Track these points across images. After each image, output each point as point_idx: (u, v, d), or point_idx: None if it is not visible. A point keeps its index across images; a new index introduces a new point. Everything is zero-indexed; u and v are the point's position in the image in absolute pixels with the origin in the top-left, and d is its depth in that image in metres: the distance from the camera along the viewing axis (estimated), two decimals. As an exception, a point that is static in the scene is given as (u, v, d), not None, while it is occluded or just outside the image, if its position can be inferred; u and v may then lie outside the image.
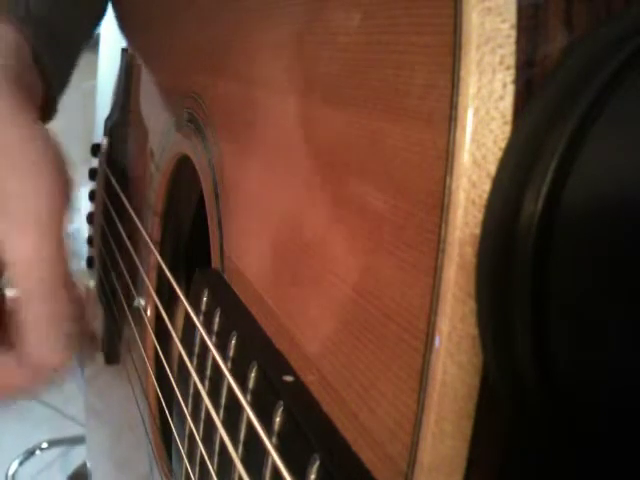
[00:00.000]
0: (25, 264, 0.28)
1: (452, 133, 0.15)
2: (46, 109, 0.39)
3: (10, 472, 1.26)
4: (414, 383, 0.16)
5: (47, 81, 0.39)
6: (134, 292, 0.44)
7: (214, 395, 0.25)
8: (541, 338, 0.13)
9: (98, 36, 0.66)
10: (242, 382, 0.23)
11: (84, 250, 0.63)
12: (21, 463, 1.28)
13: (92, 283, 0.61)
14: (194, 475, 0.28)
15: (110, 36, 0.61)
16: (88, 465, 0.72)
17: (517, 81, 0.14)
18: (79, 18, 0.46)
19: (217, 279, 0.30)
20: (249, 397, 0.23)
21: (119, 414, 0.55)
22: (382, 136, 0.17)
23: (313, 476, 0.18)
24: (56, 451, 1.33)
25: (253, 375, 0.23)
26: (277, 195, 0.24)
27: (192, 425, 0.28)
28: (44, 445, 1.31)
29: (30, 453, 1.30)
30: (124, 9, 0.54)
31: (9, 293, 0.30)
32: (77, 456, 1.27)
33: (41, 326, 0.29)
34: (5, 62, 0.33)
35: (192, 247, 0.46)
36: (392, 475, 0.16)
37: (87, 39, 0.48)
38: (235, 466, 0.22)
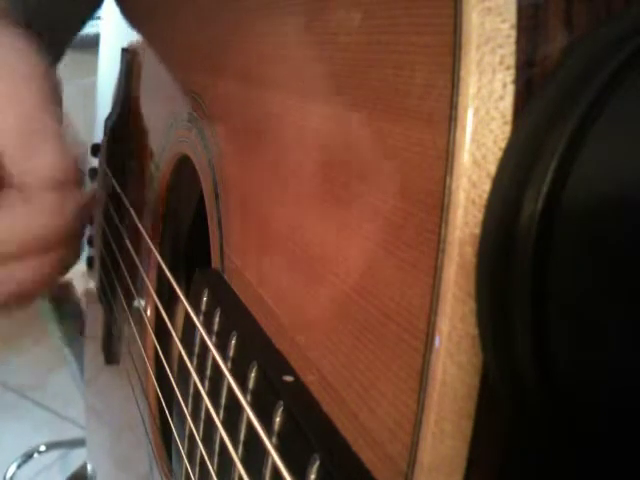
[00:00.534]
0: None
1: (452, 133, 0.15)
2: None
3: (8, 475, 1.25)
4: (414, 383, 0.16)
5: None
6: (134, 292, 0.44)
7: (214, 395, 0.25)
8: (541, 338, 0.13)
9: (98, 36, 0.66)
10: (242, 382, 0.23)
11: (84, 250, 0.63)
12: (19, 466, 1.27)
13: (92, 283, 0.61)
14: (194, 475, 0.28)
15: (110, 36, 0.61)
16: (89, 467, 0.72)
17: (517, 81, 0.14)
18: (72, 13, 0.46)
19: (217, 279, 0.30)
20: (249, 397, 0.23)
21: (119, 414, 0.55)
22: (382, 136, 0.17)
23: (313, 476, 0.18)
24: (54, 454, 1.33)
25: (253, 375, 0.23)
26: (277, 195, 0.24)
27: (192, 425, 0.28)
28: (42, 448, 1.31)
29: (28, 456, 1.29)
30: (126, 6, 0.54)
31: None
32: (75, 459, 1.27)
33: (28, 181, 0.29)
34: None
35: (192, 247, 0.46)
36: (392, 475, 0.16)
37: (75, 34, 0.48)
38: (235, 466, 0.22)
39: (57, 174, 0.30)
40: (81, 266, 0.62)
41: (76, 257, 0.34)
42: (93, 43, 0.65)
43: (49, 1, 0.41)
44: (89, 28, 0.50)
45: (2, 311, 0.32)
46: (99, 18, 0.64)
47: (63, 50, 0.45)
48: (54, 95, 0.32)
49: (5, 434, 1.37)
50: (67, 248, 0.32)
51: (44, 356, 1.48)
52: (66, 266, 0.33)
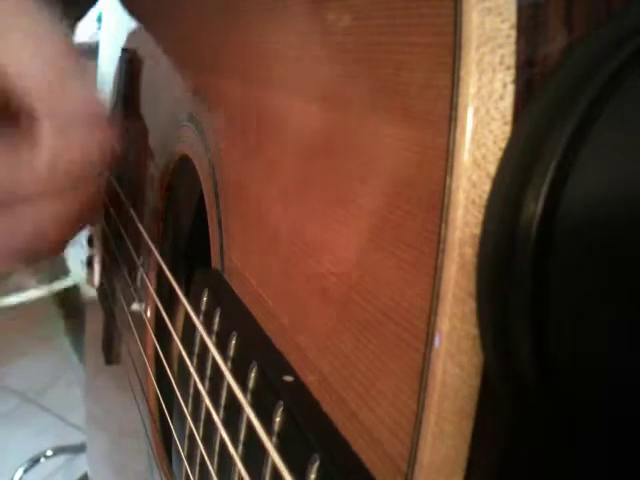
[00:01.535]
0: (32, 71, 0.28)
1: (452, 133, 0.15)
2: None
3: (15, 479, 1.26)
4: (414, 383, 0.16)
5: None
6: (134, 292, 0.44)
7: (214, 395, 0.25)
8: (541, 338, 0.13)
9: (98, 36, 0.66)
10: (242, 382, 0.23)
11: (84, 250, 0.63)
12: (26, 471, 1.27)
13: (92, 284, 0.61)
14: (194, 475, 0.28)
15: (110, 36, 0.61)
16: (87, 470, 0.72)
17: (517, 81, 0.14)
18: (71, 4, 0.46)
19: (217, 279, 0.30)
20: (249, 397, 0.23)
21: (119, 415, 0.55)
22: (382, 136, 0.17)
23: (313, 476, 0.18)
24: (61, 459, 1.33)
25: (253, 375, 0.23)
26: (277, 195, 0.24)
27: (192, 425, 0.28)
28: (49, 453, 1.31)
29: (35, 461, 1.29)
30: (127, 5, 0.54)
31: (14, 299, 0.29)
32: (82, 464, 1.27)
33: (58, 117, 0.28)
34: None
35: (192, 247, 0.46)
36: (392, 475, 0.16)
37: (74, 23, 0.48)
38: (235, 466, 0.22)
39: (88, 109, 0.29)
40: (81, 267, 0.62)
41: (97, 209, 0.33)
42: (93, 46, 0.65)
43: None
44: (89, 38, 0.49)
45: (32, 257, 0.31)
46: (99, 28, 0.64)
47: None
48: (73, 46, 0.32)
49: (10, 439, 1.37)
50: (91, 192, 0.31)
51: (50, 360, 1.48)
52: (89, 214, 0.33)
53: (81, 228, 0.33)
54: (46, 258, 0.33)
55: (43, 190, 0.29)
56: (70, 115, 0.29)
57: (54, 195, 0.30)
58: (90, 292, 0.62)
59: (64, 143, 0.29)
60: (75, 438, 1.32)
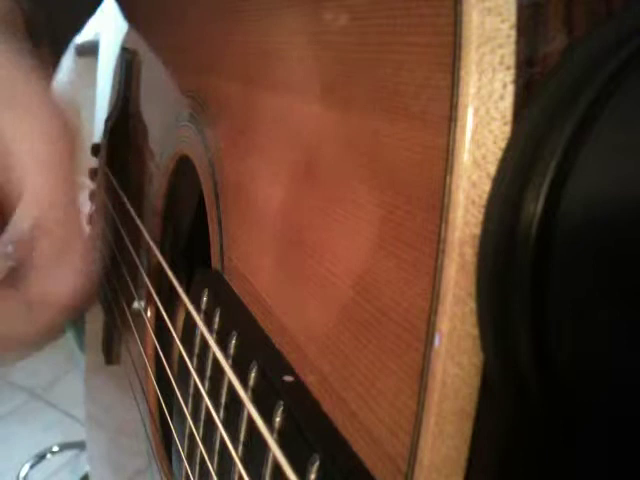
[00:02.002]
0: (39, 202, 0.28)
1: (452, 133, 0.15)
2: None
3: (21, 475, 1.26)
4: (414, 383, 0.16)
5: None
6: (134, 292, 0.44)
7: (214, 395, 0.25)
8: (541, 338, 0.13)
9: (98, 36, 0.66)
10: (242, 382, 0.23)
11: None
12: (32, 466, 1.28)
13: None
14: (194, 475, 0.28)
15: (110, 36, 0.61)
16: (87, 468, 0.72)
17: (517, 81, 0.14)
18: (71, 14, 0.46)
19: (217, 279, 0.30)
20: (249, 396, 0.23)
21: (119, 415, 0.55)
22: (382, 136, 0.17)
23: (313, 476, 0.18)
24: (67, 455, 1.33)
25: (253, 375, 0.23)
26: (277, 195, 0.24)
27: (192, 425, 0.28)
28: (55, 448, 1.31)
29: (41, 457, 1.30)
30: (126, 7, 0.54)
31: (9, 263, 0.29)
32: (88, 460, 1.28)
33: (52, 259, 0.28)
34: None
35: (192, 247, 0.46)
36: (392, 475, 0.16)
37: (75, 34, 0.48)
38: (235, 466, 0.23)
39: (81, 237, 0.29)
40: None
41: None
42: (93, 45, 0.65)
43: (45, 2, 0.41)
44: (89, 35, 0.50)
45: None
46: (99, 24, 0.64)
47: (62, 50, 0.45)
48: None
49: (17, 434, 1.37)
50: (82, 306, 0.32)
51: (56, 357, 1.48)
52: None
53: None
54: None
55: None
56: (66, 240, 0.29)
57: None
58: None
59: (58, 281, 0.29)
60: (81, 434, 1.33)
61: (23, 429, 1.39)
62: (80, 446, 1.32)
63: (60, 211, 0.28)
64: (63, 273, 0.29)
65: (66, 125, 0.29)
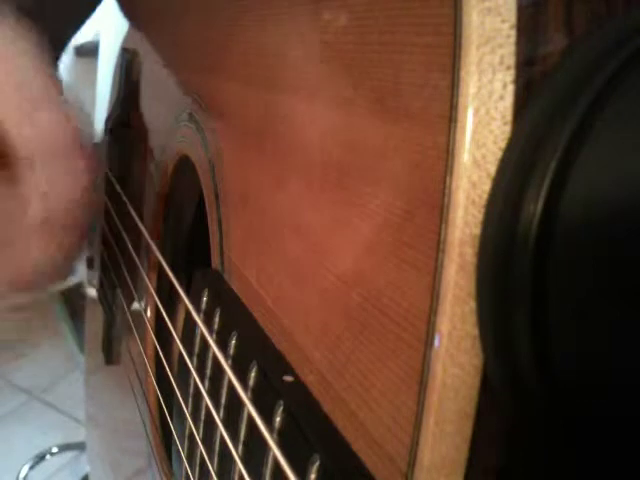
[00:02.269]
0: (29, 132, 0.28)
1: (452, 133, 0.15)
2: None
3: (21, 476, 1.26)
4: (414, 383, 0.16)
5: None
6: (134, 292, 0.44)
7: (214, 395, 0.25)
8: (541, 338, 0.13)
9: (98, 36, 0.66)
10: (242, 382, 0.23)
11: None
12: (32, 467, 1.27)
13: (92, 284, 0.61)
14: (194, 475, 0.28)
15: (110, 36, 0.61)
16: (87, 468, 0.72)
17: (517, 81, 0.14)
18: (69, 14, 0.46)
19: (217, 279, 0.30)
20: (249, 396, 0.23)
21: (118, 417, 0.55)
22: (382, 136, 0.17)
23: (313, 476, 0.18)
24: (67, 456, 1.33)
25: (253, 375, 0.23)
26: (277, 195, 0.24)
27: (192, 425, 0.28)
28: (54, 450, 1.31)
29: (40, 458, 1.30)
30: (126, 7, 0.54)
31: None
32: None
33: (37, 152, 0.28)
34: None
35: (192, 247, 0.46)
36: (392, 475, 0.16)
37: (72, 34, 0.48)
38: (235, 466, 0.23)
39: (67, 139, 0.29)
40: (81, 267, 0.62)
41: (82, 240, 0.33)
42: (93, 45, 0.65)
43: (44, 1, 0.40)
44: (89, 36, 0.49)
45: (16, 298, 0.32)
46: (99, 24, 0.64)
47: (59, 51, 0.45)
48: (51, 67, 0.31)
49: (16, 435, 1.37)
50: (76, 228, 0.31)
51: (56, 358, 1.48)
52: (74, 252, 0.33)
53: (80, 252, 0.33)
54: (51, 285, 0.33)
55: (37, 237, 0.29)
56: (49, 148, 0.29)
57: (49, 239, 0.30)
58: (91, 292, 0.62)
59: (53, 191, 0.29)
60: (81, 435, 1.32)
61: (23, 430, 1.39)
62: (80, 447, 1.32)
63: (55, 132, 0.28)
64: (63, 172, 0.29)
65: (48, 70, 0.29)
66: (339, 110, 0.20)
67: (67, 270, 0.32)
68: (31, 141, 0.29)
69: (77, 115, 0.31)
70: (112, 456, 0.58)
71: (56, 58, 0.44)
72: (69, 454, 1.34)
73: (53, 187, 0.29)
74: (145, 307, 0.43)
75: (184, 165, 0.39)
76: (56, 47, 0.44)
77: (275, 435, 0.20)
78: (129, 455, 0.51)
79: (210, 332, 0.27)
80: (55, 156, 0.29)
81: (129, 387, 0.48)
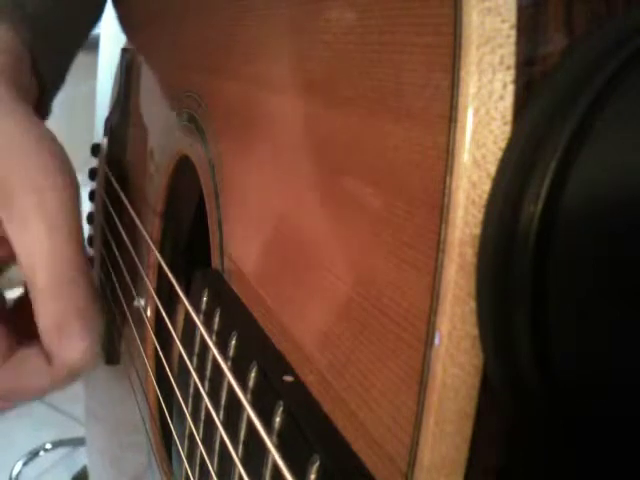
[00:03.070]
0: (34, 258, 0.28)
1: (452, 133, 0.15)
2: (39, 111, 0.39)
3: (14, 472, 1.25)
4: (414, 383, 0.16)
5: (42, 85, 0.39)
6: (134, 292, 0.44)
7: (214, 395, 0.25)
8: (541, 338, 0.13)
9: (98, 36, 0.66)
10: (242, 382, 0.23)
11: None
12: (25, 464, 1.27)
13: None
14: (194, 475, 0.28)
15: (110, 36, 0.61)
16: (80, 466, 0.72)
17: (517, 81, 0.14)
18: (78, 17, 0.46)
19: (217, 279, 0.30)
20: (249, 397, 0.23)
21: (119, 415, 0.55)
22: (382, 136, 0.17)
23: (313, 476, 0.18)
24: (60, 452, 1.33)
25: (253, 375, 0.23)
26: (277, 195, 0.24)
27: (192, 425, 0.28)
28: (48, 446, 1.31)
29: (34, 454, 1.29)
30: (124, 8, 0.54)
31: (10, 294, 0.29)
32: (81, 457, 1.27)
33: (57, 324, 0.28)
34: (2, 60, 0.33)
35: (192, 247, 0.46)
36: (392, 475, 0.16)
37: (84, 39, 0.48)
38: (235, 466, 0.23)
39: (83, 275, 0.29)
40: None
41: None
42: (93, 44, 0.65)
43: (50, 8, 0.40)
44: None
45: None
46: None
47: (69, 58, 0.45)
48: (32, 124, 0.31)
49: (11, 432, 1.37)
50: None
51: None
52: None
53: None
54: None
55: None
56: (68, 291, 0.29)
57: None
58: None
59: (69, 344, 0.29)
60: (74, 431, 1.32)
61: (16, 427, 1.39)
62: (73, 443, 1.32)
63: (56, 267, 0.28)
64: (71, 340, 0.29)
65: (64, 172, 0.29)
66: (339, 110, 0.20)
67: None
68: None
69: (55, 153, 0.30)
70: (114, 456, 0.58)
71: (66, 65, 0.44)
72: (62, 450, 1.33)
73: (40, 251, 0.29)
74: (145, 307, 0.43)
75: (184, 165, 0.39)
76: (64, 55, 0.44)
77: (275, 435, 0.20)
78: (130, 452, 0.51)
79: (210, 332, 0.27)
80: (53, 293, 0.29)
81: (129, 386, 0.48)
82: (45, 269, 0.28)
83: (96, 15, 0.50)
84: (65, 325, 0.29)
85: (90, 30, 0.49)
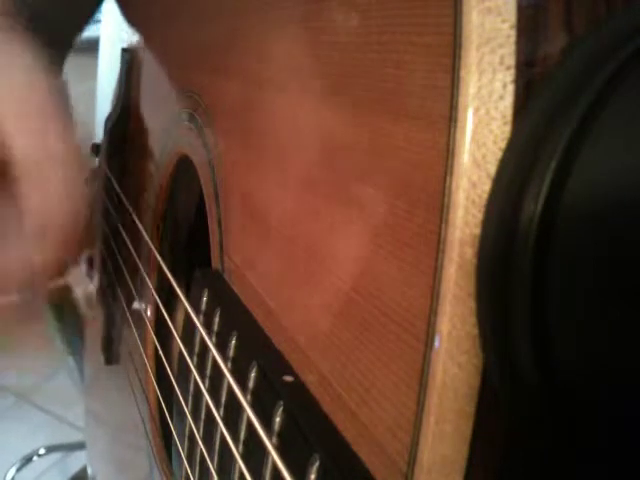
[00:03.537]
0: (27, 144, 0.28)
1: (452, 133, 0.15)
2: None
3: (8, 478, 1.25)
4: (414, 383, 0.16)
5: None
6: (134, 292, 0.44)
7: (214, 394, 0.25)
8: (541, 338, 0.13)
9: (98, 37, 0.66)
10: (242, 382, 0.23)
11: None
12: (19, 469, 1.27)
13: (92, 284, 0.61)
14: (194, 475, 0.28)
15: (110, 36, 0.61)
16: (89, 470, 0.72)
17: (517, 81, 0.14)
18: (75, 14, 0.46)
19: (217, 279, 0.30)
20: (249, 397, 0.23)
21: (119, 415, 0.55)
22: (382, 136, 0.17)
23: (313, 476, 0.18)
24: (54, 457, 1.33)
25: (253, 375, 0.23)
26: (277, 195, 0.24)
27: (192, 424, 0.28)
28: (42, 451, 1.30)
29: (28, 459, 1.29)
30: (126, 7, 0.54)
31: None
32: (75, 462, 1.27)
33: (35, 161, 0.28)
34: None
35: (192, 247, 0.46)
36: (392, 475, 0.16)
37: (78, 34, 0.48)
38: (235, 466, 0.23)
39: (70, 155, 0.30)
40: (80, 269, 0.62)
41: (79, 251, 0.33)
42: (93, 44, 0.65)
43: (49, 1, 0.41)
44: (89, 32, 0.50)
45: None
46: (99, 21, 0.64)
47: (66, 50, 0.45)
48: (53, 78, 0.32)
49: (4, 437, 1.36)
50: (80, 229, 0.31)
51: (43, 359, 1.48)
52: (70, 256, 0.33)
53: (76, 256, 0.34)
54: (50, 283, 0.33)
55: (33, 243, 0.29)
56: (45, 157, 0.29)
57: (44, 245, 0.30)
58: (83, 291, 0.62)
59: (51, 204, 0.29)
60: (69, 436, 1.32)
61: (10, 432, 1.39)
62: (67, 448, 1.31)
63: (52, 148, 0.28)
64: (60, 190, 0.29)
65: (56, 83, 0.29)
66: (340, 110, 0.20)
67: (60, 272, 0.32)
68: (27, 150, 0.29)
69: (74, 125, 0.31)
70: (115, 456, 0.58)
71: (62, 57, 0.44)
72: (56, 455, 1.33)
73: (48, 195, 0.29)
74: (145, 307, 0.43)
75: (184, 165, 0.39)
76: (62, 47, 0.44)
77: (275, 435, 0.20)
78: (132, 454, 0.51)
79: (210, 332, 0.27)
80: (51, 165, 0.29)
81: (129, 387, 0.48)
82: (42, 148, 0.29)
83: (92, 10, 0.50)
84: (43, 164, 0.29)
85: (85, 24, 0.49)
